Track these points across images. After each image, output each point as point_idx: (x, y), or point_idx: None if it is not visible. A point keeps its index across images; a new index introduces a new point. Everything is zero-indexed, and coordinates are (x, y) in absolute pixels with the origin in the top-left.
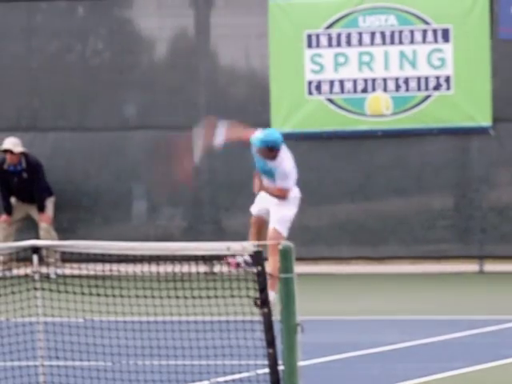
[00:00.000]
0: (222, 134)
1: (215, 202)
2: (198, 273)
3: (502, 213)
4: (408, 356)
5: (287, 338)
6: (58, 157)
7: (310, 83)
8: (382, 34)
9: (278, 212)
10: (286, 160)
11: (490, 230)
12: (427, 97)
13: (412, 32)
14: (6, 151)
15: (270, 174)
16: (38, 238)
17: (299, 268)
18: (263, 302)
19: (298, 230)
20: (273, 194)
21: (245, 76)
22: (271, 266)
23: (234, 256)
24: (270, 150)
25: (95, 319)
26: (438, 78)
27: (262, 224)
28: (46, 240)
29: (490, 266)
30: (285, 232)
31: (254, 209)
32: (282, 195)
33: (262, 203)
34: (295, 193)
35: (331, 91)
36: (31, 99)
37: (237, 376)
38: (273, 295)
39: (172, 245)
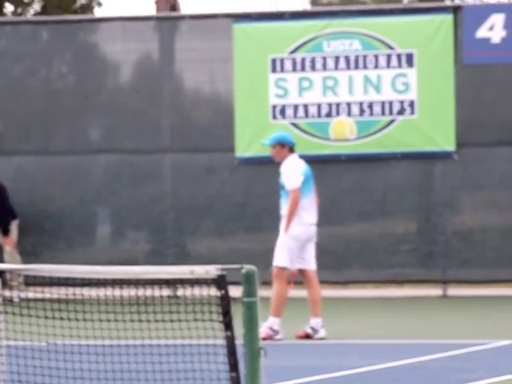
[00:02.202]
0: None
1: (179, 226)
2: (161, 296)
3: (465, 237)
4: (371, 380)
5: (250, 361)
6: (22, 180)
7: (274, 107)
8: (347, 59)
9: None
10: (289, 165)
11: (454, 255)
12: (391, 121)
13: (376, 57)
14: None
15: (283, 189)
16: (1, 261)
17: (263, 292)
18: (226, 326)
19: (261, 253)
20: (288, 210)
21: (209, 100)
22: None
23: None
24: (282, 147)
25: (58, 343)
26: (402, 102)
27: (306, 279)
28: (10, 263)
29: (454, 291)
30: (283, 262)
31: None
32: (292, 198)
33: None
34: (300, 220)
35: (295, 115)
36: None
37: None
38: (318, 322)
39: (135, 268)
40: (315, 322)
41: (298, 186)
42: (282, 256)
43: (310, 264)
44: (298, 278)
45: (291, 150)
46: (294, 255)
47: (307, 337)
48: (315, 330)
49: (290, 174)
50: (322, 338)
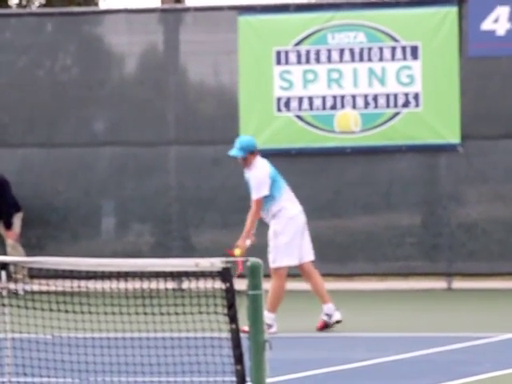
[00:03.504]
0: None
1: (184, 219)
2: (166, 289)
3: (470, 230)
4: (377, 373)
5: (255, 354)
6: (26, 172)
7: (278, 100)
8: (351, 51)
9: (271, 247)
10: (256, 168)
11: (458, 247)
12: (396, 114)
13: (381, 49)
14: None
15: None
16: (5, 254)
17: (268, 285)
18: (231, 319)
19: (266, 247)
20: (249, 220)
21: (214, 92)
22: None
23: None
24: (251, 154)
25: (63, 335)
26: (406, 95)
27: (304, 272)
28: (13, 256)
29: (458, 283)
30: (281, 262)
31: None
32: (253, 207)
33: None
34: (288, 212)
35: (300, 108)
36: (0, 115)
37: None
38: (330, 307)
39: (140, 261)
40: (327, 307)
41: (263, 195)
42: (281, 257)
43: (306, 256)
44: (293, 271)
45: (257, 152)
46: (296, 250)
47: (326, 326)
48: (330, 315)
49: (257, 182)
50: (338, 321)
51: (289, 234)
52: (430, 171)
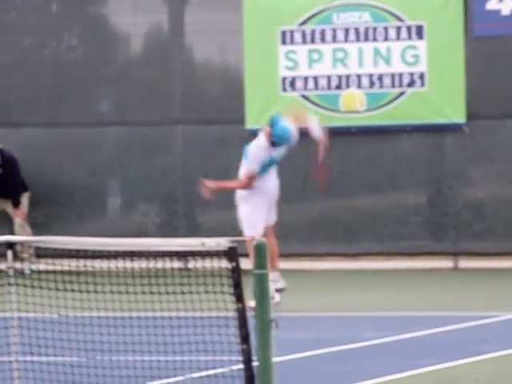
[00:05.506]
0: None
1: (190, 198)
2: (172, 269)
3: (476, 209)
4: (382, 352)
5: (261, 333)
6: (31, 152)
7: (284, 80)
8: (356, 31)
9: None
10: (253, 143)
11: (464, 227)
12: (401, 93)
13: (386, 29)
14: None
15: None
16: (12, 233)
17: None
18: (238, 298)
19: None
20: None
21: (219, 72)
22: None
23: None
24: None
25: (70, 315)
26: (412, 74)
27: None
28: (21, 236)
29: (464, 263)
30: (248, 231)
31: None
32: (242, 181)
33: None
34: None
35: (305, 88)
36: (5, 94)
37: (211, 372)
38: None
39: (146, 241)
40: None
41: (248, 172)
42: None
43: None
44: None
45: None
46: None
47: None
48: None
49: (247, 155)
50: (278, 290)
51: (246, 205)
52: (435, 151)
